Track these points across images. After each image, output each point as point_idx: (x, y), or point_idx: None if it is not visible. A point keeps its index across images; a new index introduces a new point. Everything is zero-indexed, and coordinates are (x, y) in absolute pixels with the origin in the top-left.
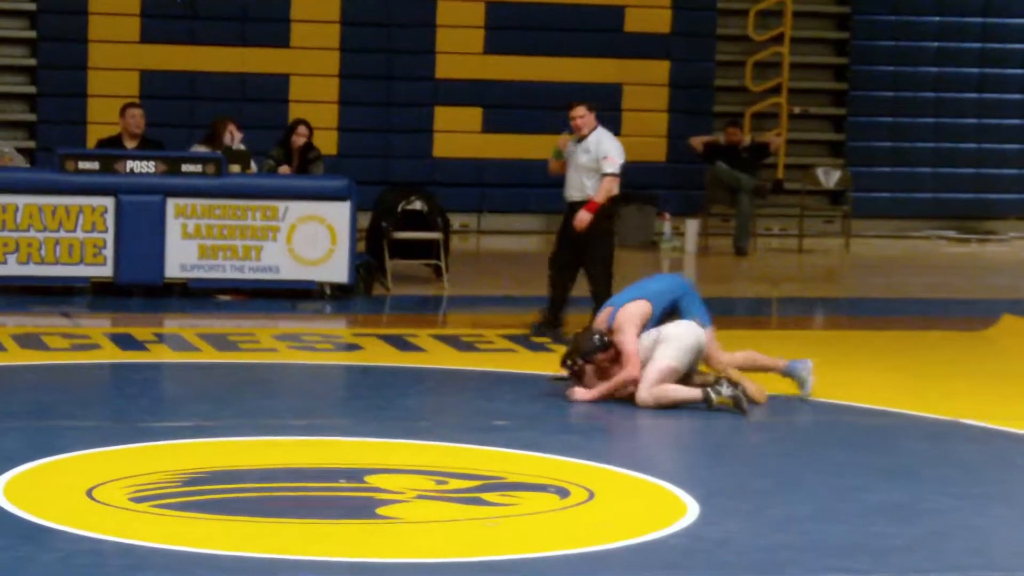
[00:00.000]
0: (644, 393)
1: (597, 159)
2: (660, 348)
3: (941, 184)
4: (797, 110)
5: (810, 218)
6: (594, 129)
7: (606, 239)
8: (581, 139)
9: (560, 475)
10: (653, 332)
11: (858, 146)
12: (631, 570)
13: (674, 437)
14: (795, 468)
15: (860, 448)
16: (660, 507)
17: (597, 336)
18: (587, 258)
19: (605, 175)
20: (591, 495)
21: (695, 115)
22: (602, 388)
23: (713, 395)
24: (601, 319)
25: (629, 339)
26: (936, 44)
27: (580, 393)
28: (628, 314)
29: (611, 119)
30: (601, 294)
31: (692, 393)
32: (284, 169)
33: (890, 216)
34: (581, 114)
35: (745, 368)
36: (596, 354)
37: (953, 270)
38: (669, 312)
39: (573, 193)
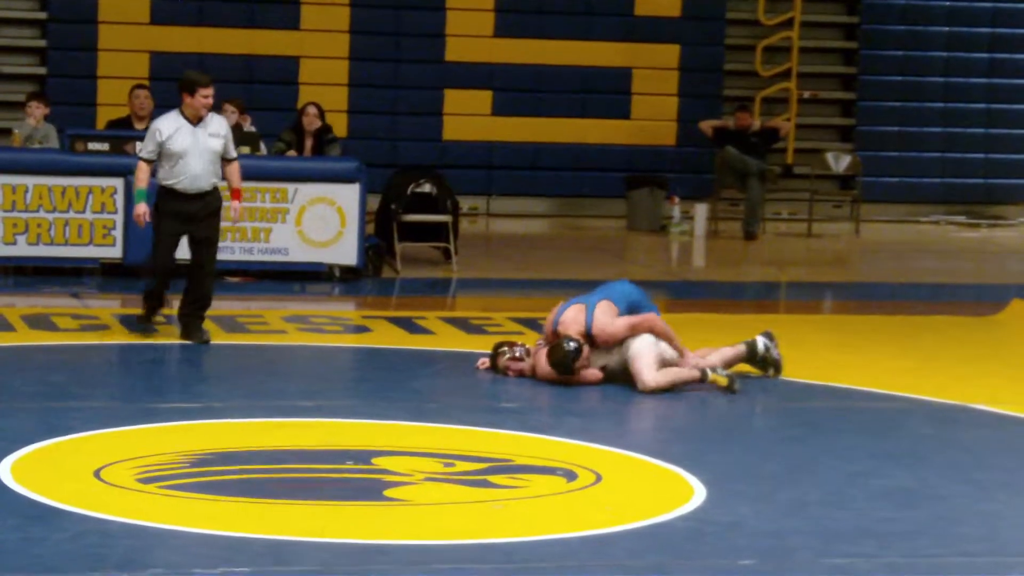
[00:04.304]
0: (649, 379)
1: (226, 144)
2: (635, 341)
3: (950, 169)
4: (807, 95)
5: (819, 203)
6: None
7: (218, 232)
8: (199, 121)
9: (568, 458)
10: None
11: (867, 131)
12: (638, 553)
13: (683, 421)
14: (803, 453)
15: (868, 433)
16: (668, 490)
17: (573, 346)
18: (207, 253)
19: (234, 160)
20: (599, 478)
21: (705, 99)
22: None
23: (709, 370)
24: (569, 321)
25: (620, 327)
26: (946, 29)
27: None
28: (605, 313)
29: (621, 102)
30: (209, 293)
31: (692, 373)
32: (291, 153)
33: (899, 201)
34: (213, 93)
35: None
36: (577, 362)
37: (962, 255)
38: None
39: (203, 183)
